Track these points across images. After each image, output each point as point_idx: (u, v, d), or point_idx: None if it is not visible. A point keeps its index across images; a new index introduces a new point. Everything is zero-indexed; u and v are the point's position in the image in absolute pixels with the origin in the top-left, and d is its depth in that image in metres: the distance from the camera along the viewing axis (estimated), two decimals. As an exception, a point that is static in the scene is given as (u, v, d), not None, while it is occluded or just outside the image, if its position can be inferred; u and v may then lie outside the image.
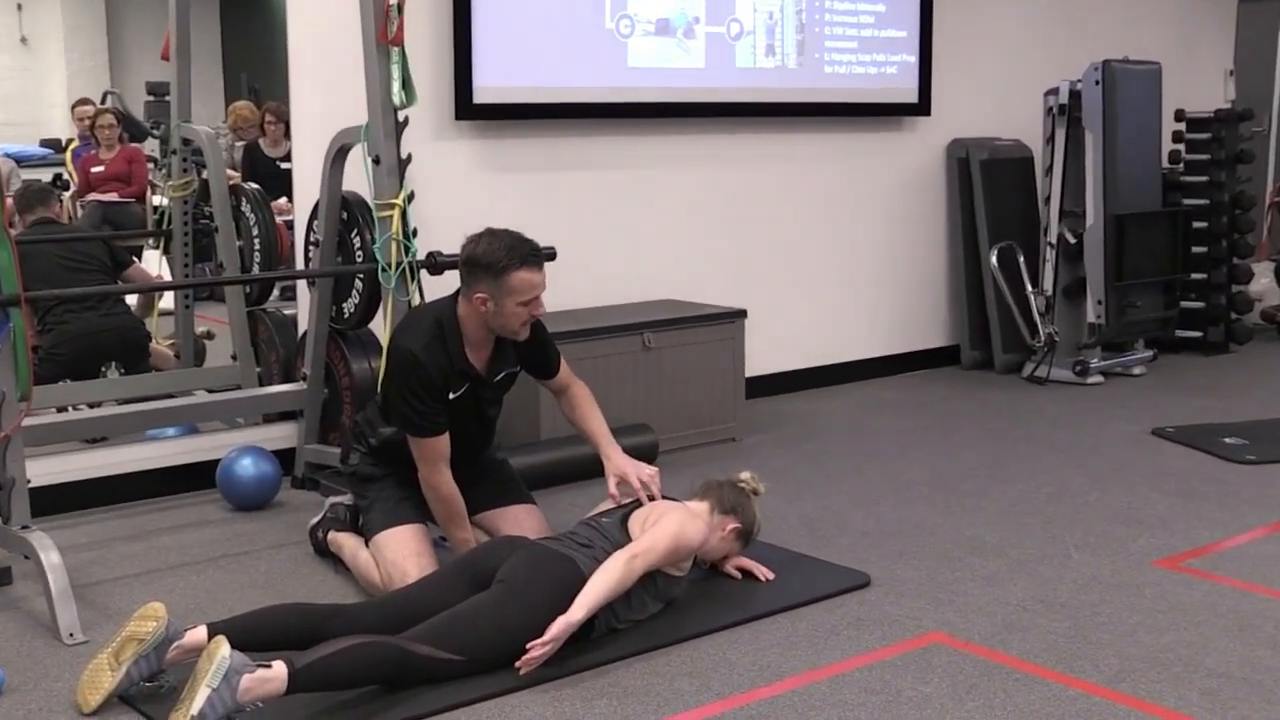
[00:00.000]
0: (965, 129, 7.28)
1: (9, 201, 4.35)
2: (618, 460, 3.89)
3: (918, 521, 4.57)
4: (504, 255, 3.62)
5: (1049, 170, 7.02)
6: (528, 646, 3.19)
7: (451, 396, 3.75)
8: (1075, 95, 6.89)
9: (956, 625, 3.61)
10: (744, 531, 3.85)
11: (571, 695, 3.19)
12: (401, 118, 4.46)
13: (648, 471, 3.84)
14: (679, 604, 3.70)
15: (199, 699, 2.88)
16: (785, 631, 3.57)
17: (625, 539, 3.56)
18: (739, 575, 3.93)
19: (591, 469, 4.82)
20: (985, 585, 3.93)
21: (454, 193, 5.51)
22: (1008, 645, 3.47)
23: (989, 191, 7.16)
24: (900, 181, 7.10)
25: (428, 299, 4.46)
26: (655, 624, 3.57)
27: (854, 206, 6.92)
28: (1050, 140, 7.01)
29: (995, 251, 7.05)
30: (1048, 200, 7.04)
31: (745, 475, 3.94)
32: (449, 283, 3.83)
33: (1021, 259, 7.07)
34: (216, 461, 4.83)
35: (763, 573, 3.93)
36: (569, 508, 4.67)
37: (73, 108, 7.31)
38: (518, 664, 3.18)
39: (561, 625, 3.24)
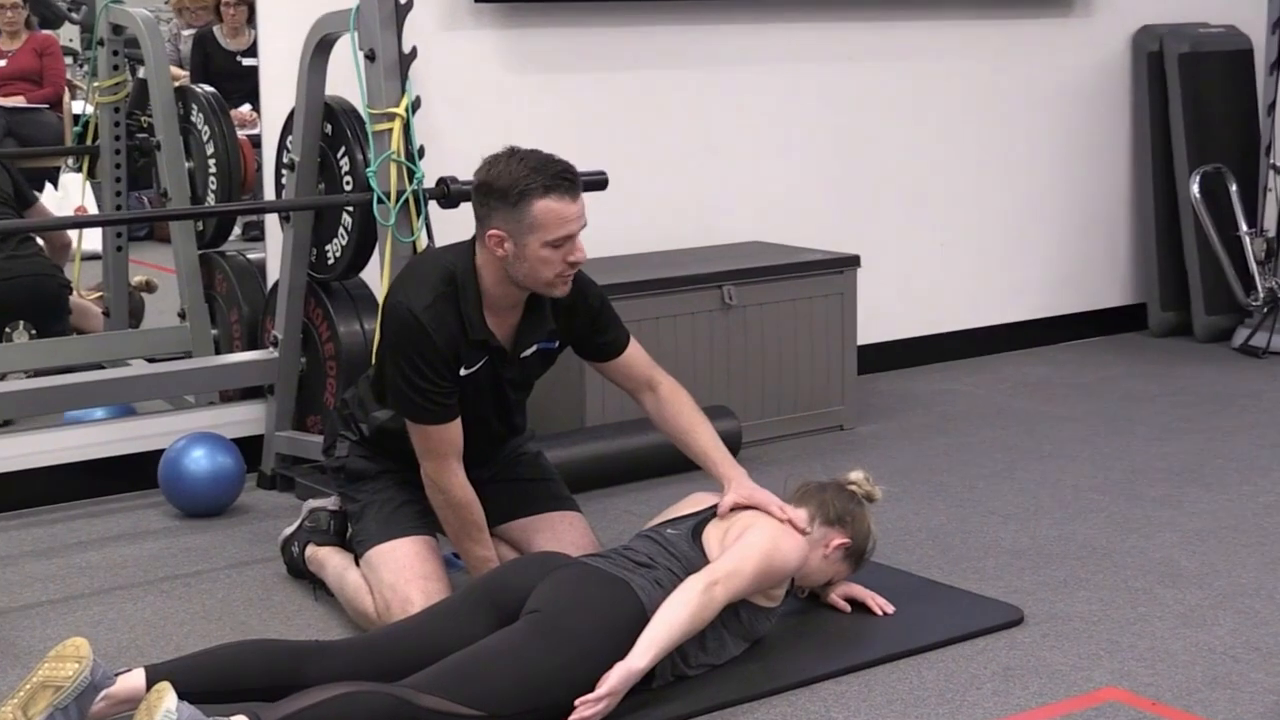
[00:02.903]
0: (1158, 12, 7.21)
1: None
2: (745, 484, 3.81)
3: (1088, 540, 4.56)
4: (524, 178, 3.62)
5: (1275, 67, 6.94)
6: (576, 704, 3.20)
7: (464, 372, 3.77)
8: (1311, -36, 6.80)
9: (1140, 678, 3.60)
10: (854, 550, 3.85)
11: (625, 764, 3.22)
12: (403, 0, 4.48)
13: (791, 508, 3.77)
14: (768, 644, 3.71)
15: (137, 763, 2.92)
16: (909, 683, 3.58)
17: (699, 558, 3.58)
18: (848, 607, 3.94)
19: (654, 465, 4.85)
20: (1180, 626, 3.91)
21: (473, 100, 5.53)
22: (1210, 707, 3.45)
23: (1190, 97, 7.09)
24: (1067, 85, 7.05)
25: (438, 241, 4.49)
26: (737, 671, 3.58)
27: (1004, 119, 6.88)
28: (1278, 26, 6.92)
29: (1197, 179, 6.99)
30: (1272, 108, 6.97)
31: (856, 476, 3.94)
32: (466, 219, 3.84)
33: (1234, 188, 7.00)
34: (159, 453, 4.88)
35: (879, 604, 3.93)
36: (623, 516, 4.68)
37: (-38, -18, 7.39)
38: (563, 727, 3.21)
39: (621, 675, 3.25)
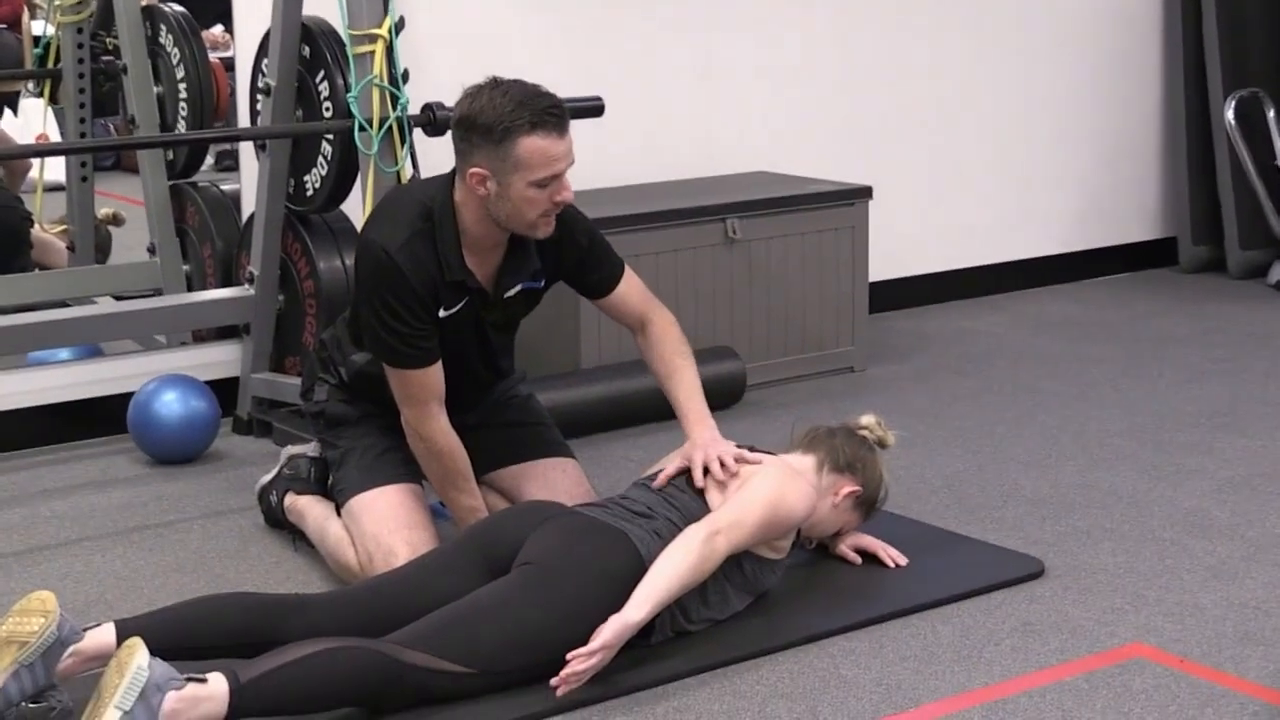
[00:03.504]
0: (1191, -73, 7.19)
1: None
2: (701, 440, 3.79)
3: (1113, 488, 4.57)
4: (508, 114, 3.58)
5: (1312, -13, 6.92)
6: (568, 657, 3.22)
7: (443, 314, 3.77)
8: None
9: (1167, 634, 3.62)
10: (865, 498, 3.87)
11: (623, 724, 3.24)
12: (385, -90, 4.46)
13: (731, 454, 3.73)
14: (773, 598, 3.73)
15: (106, 724, 2.94)
16: (923, 639, 3.60)
17: (701, 507, 3.59)
18: (858, 559, 3.96)
19: (653, 408, 4.85)
20: (1209, 578, 3.93)
21: (460, 19, 5.50)
22: (1241, 664, 3.47)
23: (1226, 16, 7.05)
24: (1094, 2, 7.02)
25: (424, 172, 4.49)
26: (740, 626, 3.60)
27: (1026, 40, 6.85)
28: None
29: (1233, 104, 6.97)
30: (1309, 30, 6.95)
31: (868, 420, 3.95)
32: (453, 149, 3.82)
33: (1272, 115, 6.98)
34: (128, 396, 4.89)
35: (891, 556, 3.95)
36: (620, 462, 4.69)
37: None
38: (554, 681, 3.22)
39: (616, 628, 3.26)
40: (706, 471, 3.69)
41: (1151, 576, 3.93)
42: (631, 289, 4.01)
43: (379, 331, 3.73)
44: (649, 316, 4.01)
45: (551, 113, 3.61)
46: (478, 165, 3.63)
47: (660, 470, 3.76)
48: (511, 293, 3.87)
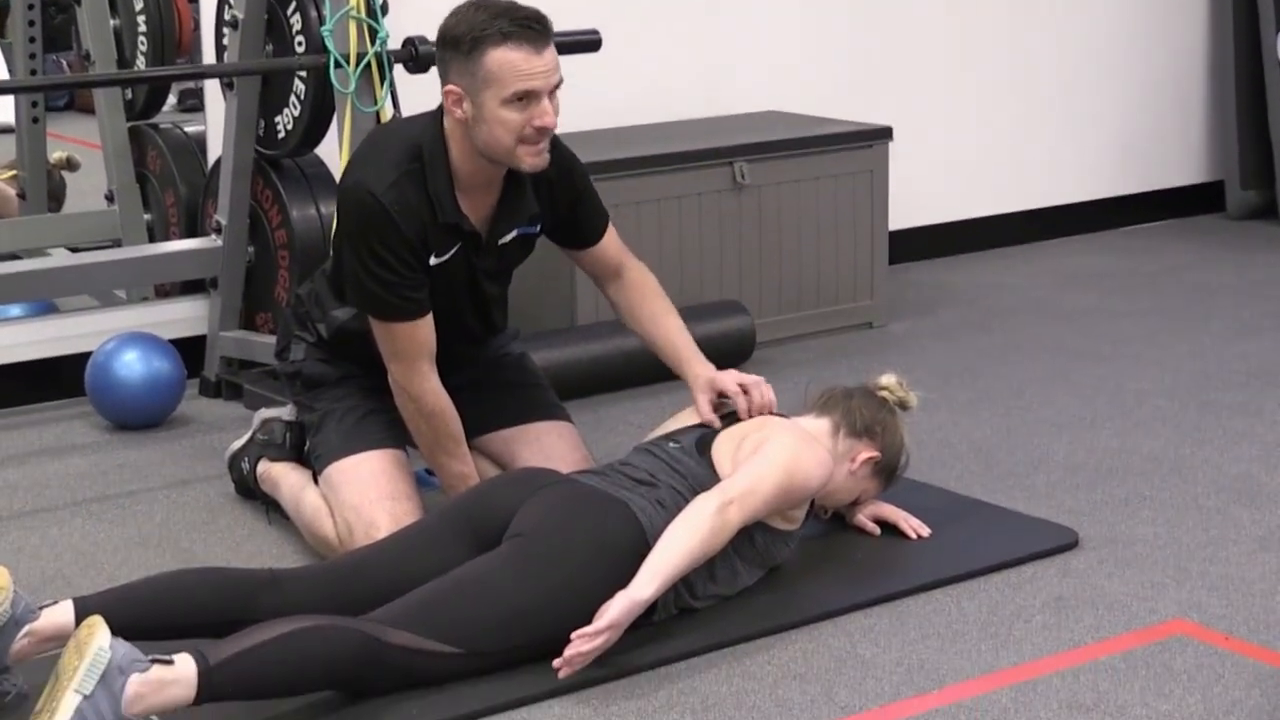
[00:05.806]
0: None
1: None
2: (707, 373, 3.88)
3: (1152, 452, 4.58)
4: (480, 25, 3.59)
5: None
6: (572, 637, 3.23)
7: (434, 262, 3.77)
8: None
9: (1211, 610, 3.62)
10: (885, 464, 3.88)
11: (625, 709, 3.24)
12: None
13: (752, 378, 3.86)
14: (786, 572, 3.74)
15: (64, 710, 2.93)
16: (947, 616, 3.61)
17: (708, 475, 3.60)
18: (877, 530, 3.97)
19: (655, 368, 4.86)
20: (1257, 550, 3.94)
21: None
22: (1290, 641, 3.49)
23: (1274, -58, 7.06)
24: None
25: (405, 112, 4.49)
26: (750, 602, 3.60)
27: (1062, -34, 6.86)
28: None
29: (1283, 36, 6.98)
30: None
31: (888, 380, 3.96)
32: (438, 86, 3.83)
33: (1324, 48, 6.99)
34: (86, 356, 4.89)
35: (913, 526, 3.96)
36: (620, 426, 4.70)
37: None
38: (557, 663, 3.23)
39: (623, 606, 3.27)
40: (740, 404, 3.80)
41: (1194, 548, 3.94)
42: (613, 240, 4.06)
43: (364, 282, 3.73)
44: (624, 265, 4.06)
45: (527, 24, 3.61)
46: (451, 83, 3.65)
47: (661, 434, 3.77)
48: (507, 239, 3.88)
